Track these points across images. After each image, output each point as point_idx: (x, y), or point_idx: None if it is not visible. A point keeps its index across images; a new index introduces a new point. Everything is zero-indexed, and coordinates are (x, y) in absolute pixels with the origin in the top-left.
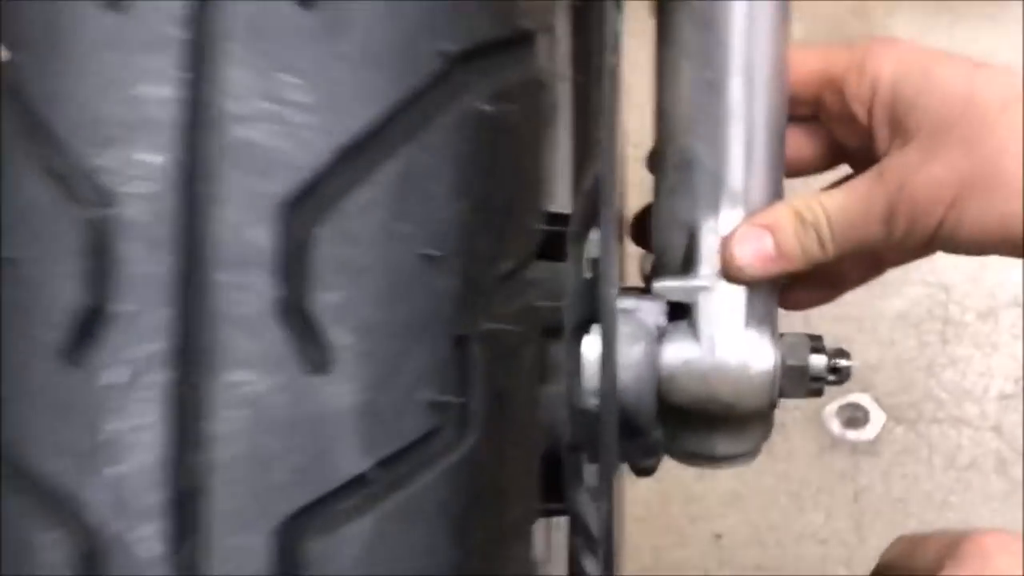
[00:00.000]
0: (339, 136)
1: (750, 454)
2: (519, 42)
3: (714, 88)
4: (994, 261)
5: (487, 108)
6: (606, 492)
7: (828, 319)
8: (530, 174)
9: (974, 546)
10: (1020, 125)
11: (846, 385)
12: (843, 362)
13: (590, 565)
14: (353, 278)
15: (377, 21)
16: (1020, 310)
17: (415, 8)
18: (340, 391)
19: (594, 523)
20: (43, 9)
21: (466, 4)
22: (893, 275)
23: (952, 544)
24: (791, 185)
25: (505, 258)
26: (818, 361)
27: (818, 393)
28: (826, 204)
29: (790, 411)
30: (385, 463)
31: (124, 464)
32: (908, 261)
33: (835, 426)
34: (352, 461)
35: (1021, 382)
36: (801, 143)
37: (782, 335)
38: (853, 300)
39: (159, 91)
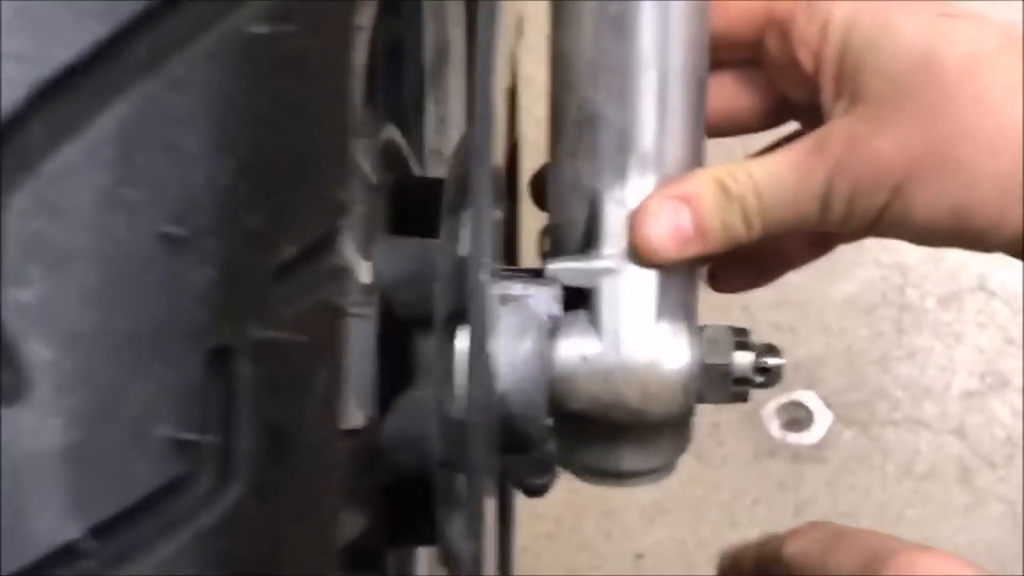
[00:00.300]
0: (38, 69)
1: (663, 470)
2: None
3: (620, 26)
4: None
5: (259, 29)
6: (474, 523)
7: (766, 305)
8: (329, 121)
9: (907, 561)
10: (984, 96)
11: (787, 381)
12: (773, 360)
13: None
14: (56, 268)
15: None
16: (986, 295)
17: None
18: (38, 427)
19: (465, 556)
20: None
21: None
22: (843, 254)
23: (879, 554)
24: (728, 147)
25: (288, 239)
26: (743, 359)
27: (743, 398)
28: (755, 174)
29: (723, 411)
30: (104, 528)
31: None
32: (860, 238)
33: (774, 428)
34: (56, 525)
35: (987, 378)
36: (736, 94)
37: (702, 328)
38: (796, 283)
39: None
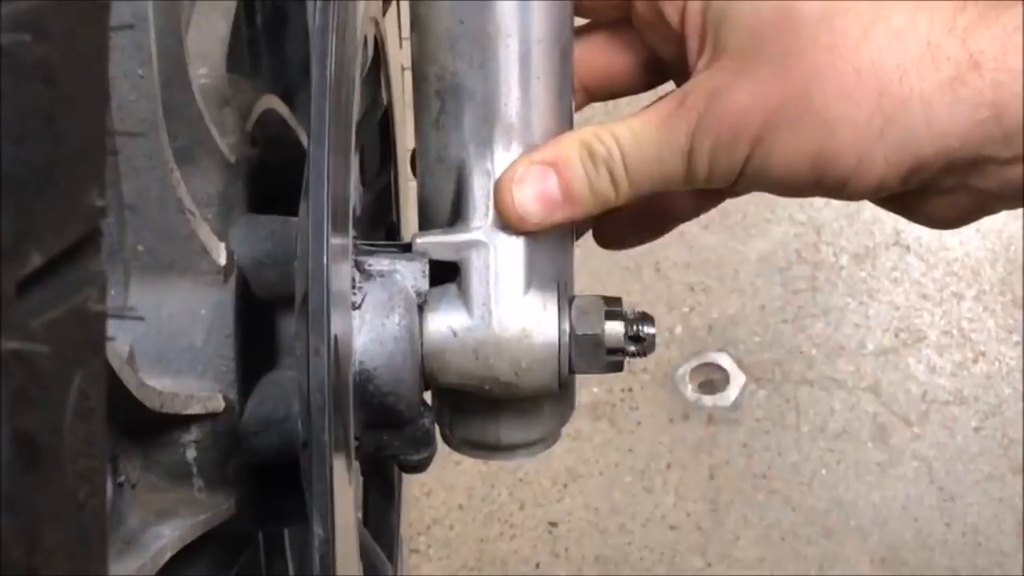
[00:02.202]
0: None
1: (545, 440)
2: None
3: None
4: None
5: (4, 39)
6: (321, 503)
7: (679, 266)
8: (81, 130)
9: None
10: (839, 42)
11: (702, 342)
12: (646, 329)
13: None
14: None
15: None
16: (900, 250)
17: None
18: None
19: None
20: None
21: None
22: (756, 213)
23: None
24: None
25: (36, 250)
26: (615, 329)
27: (618, 367)
28: (620, 135)
29: (636, 373)
30: None
31: None
32: (740, 193)
33: (688, 391)
34: None
35: (901, 334)
36: (610, 54)
37: (573, 298)
38: (709, 243)
39: None
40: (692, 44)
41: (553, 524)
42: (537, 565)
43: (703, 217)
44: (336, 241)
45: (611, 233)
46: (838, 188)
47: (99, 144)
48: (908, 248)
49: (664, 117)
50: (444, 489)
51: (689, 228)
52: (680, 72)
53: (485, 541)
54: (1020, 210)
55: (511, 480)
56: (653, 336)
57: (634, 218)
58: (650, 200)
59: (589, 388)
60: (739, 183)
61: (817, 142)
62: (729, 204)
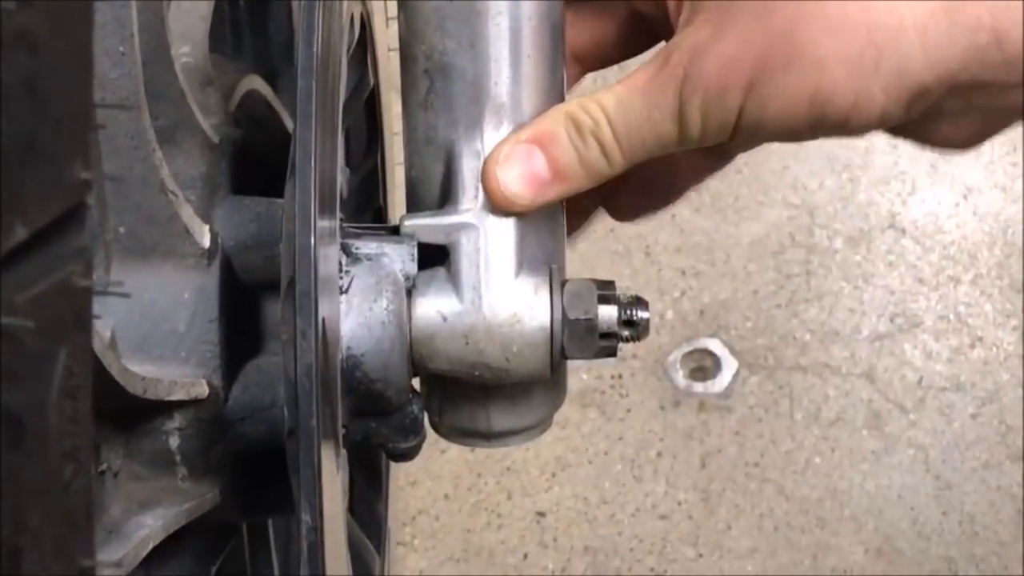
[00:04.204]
0: None
1: (536, 427)
2: None
3: None
4: (865, 176)
5: None
6: (308, 492)
7: (670, 250)
8: (65, 100)
9: None
10: None
11: (693, 328)
12: (640, 313)
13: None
14: None
15: None
16: (895, 233)
17: None
18: None
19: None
20: None
21: None
22: (749, 195)
23: None
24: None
25: (20, 223)
26: (608, 313)
27: (611, 352)
28: (605, 103)
29: (626, 360)
30: None
31: None
32: (745, 148)
33: (679, 377)
34: None
35: (897, 319)
36: (597, 21)
37: (565, 282)
38: (701, 226)
39: None
40: (672, 2)
41: (541, 514)
42: (525, 556)
43: (694, 200)
44: (323, 223)
45: (622, 205)
46: (840, 125)
47: (84, 115)
48: (904, 231)
49: (649, 79)
50: (430, 479)
51: (680, 211)
52: (669, 32)
53: (472, 531)
54: (1019, 194)
55: (498, 469)
56: (647, 320)
57: (642, 186)
58: (653, 165)
59: (578, 375)
60: (737, 136)
61: (810, 82)
62: (721, 186)
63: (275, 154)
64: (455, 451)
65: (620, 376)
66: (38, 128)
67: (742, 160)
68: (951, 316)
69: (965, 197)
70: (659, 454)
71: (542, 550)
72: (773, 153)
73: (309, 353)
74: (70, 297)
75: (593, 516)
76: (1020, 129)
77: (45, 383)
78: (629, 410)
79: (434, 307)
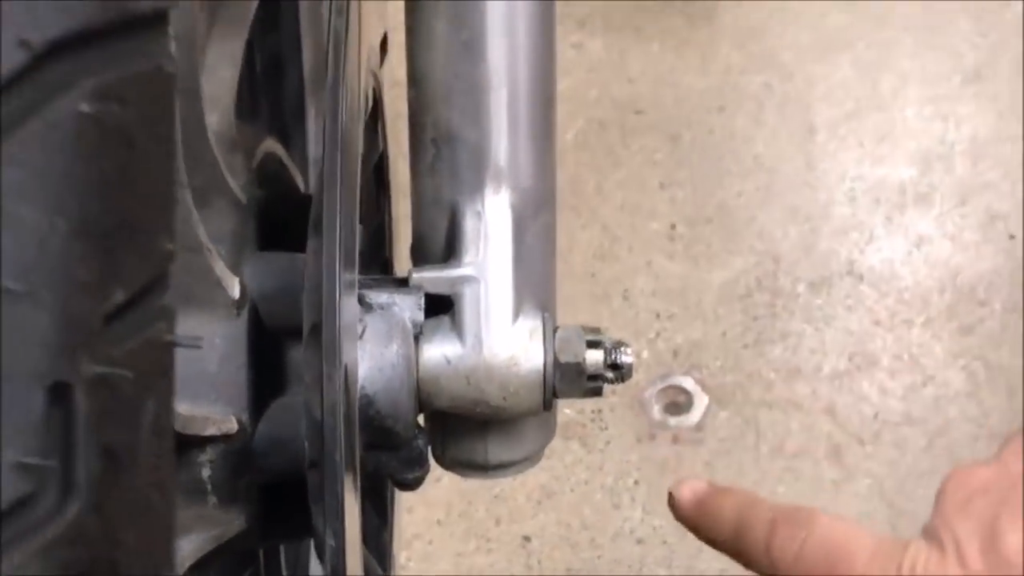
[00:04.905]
0: None
1: (529, 460)
2: (134, 28)
3: (471, 50)
4: (826, 227)
5: (88, 109)
6: (333, 519)
7: (646, 293)
8: (155, 185)
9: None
10: None
11: (667, 366)
12: (624, 358)
13: None
14: None
15: None
16: (854, 279)
17: None
18: None
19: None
20: None
21: None
22: (718, 243)
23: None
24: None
25: (119, 288)
26: (595, 357)
27: (597, 392)
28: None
29: (606, 396)
30: None
31: None
32: None
33: (654, 411)
34: None
35: (855, 358)
36: None
37: (557, 328)
38: (674, 272)
39: None
40: None
41: (527, 538)
42: None
43: (668, 248)
44: (346, 276)
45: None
46: None
47: (169, 196)
48: (862, 277)
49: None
50: (424, 506)
51: (655, 258)
52: None
53: (462, 555)
54: (966, 243)
55: (487, 497)
56: (631, 364)
57: None
58: None
59: (561, 410)
60: None
61: None
62: (693, 235)
63: (291, 211)
64: (448, 479)
65: (600, 411)
66: (133, 209)
67: (712, 210)
68: (905, 356)
69: (917, 246)
70: (636, 483)
71: (528, 572)
72: (740, 206)
73: (334, 394)
74: (158, 350)
75: (575, 541)
76: (968, 182)
77: (138, 425)
78: (608, 442)
79: (439, 351)
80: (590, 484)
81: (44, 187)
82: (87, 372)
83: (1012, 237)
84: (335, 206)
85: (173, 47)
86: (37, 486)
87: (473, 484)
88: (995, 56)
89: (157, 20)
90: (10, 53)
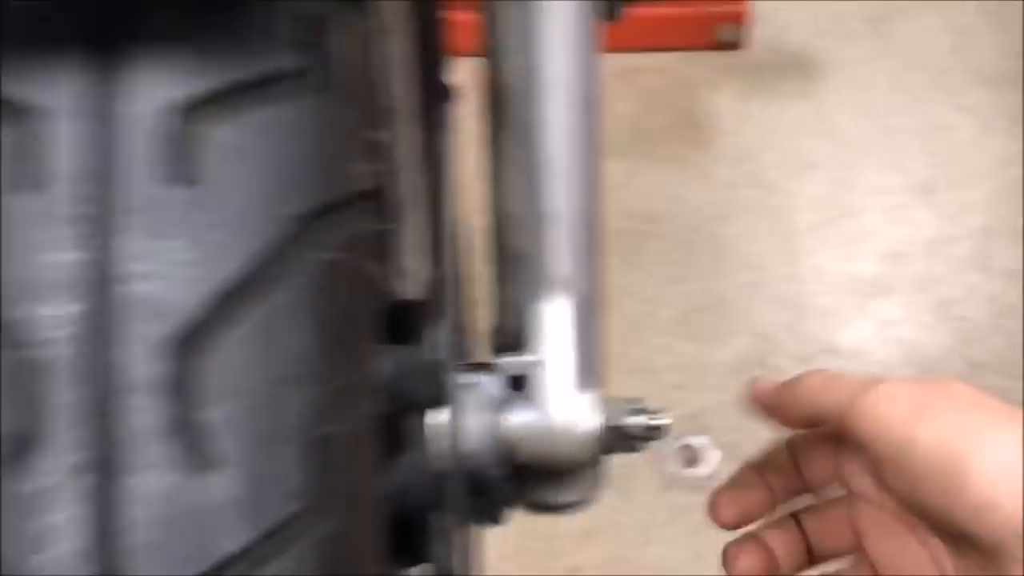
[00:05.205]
0: (214, 287)
1: (585, 501)
2: (359, 200)
3: (537, 191)
4: (808, 313)
5: (335, 257)
6: (459, 550)
7: (666, 368)
8: (373, 303)
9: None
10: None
11: (686, 427)
12: (659, 420)
13: None
14: (233, 398)
15: (241, 194)
16: (835, 356)
17: (269, 181)
18: (224, 486)
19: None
20: None
21: (307, 176)
22: (723, 327)
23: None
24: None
25: (351, 374)
26: (638, 421)
27: (635, 449)
28: None
29: (635, 454)
30: (263, 539)
31: (51, 552)
32: None
33: (675, 465)
34: (235, 539)
35: None
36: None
37: (607, 399)
38: (688, 351)
39: (68, 256)
40: None
41: (578, 568)
42: None
43: (681, 331)
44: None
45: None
46: None
47: (380, 311)
48: (841, 354)
49: None
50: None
51: (671, 341)
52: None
53: None
54: (925, 323)
55: (543, 536)
56: (667, 426)
57: None
58: None
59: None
60: None
61: None
62: (701, 320)
63: (397, 313)
64: (509, 526)
65: (631, 466)
66: (360, 320)
67: (716, 300)
68: None
69: (883, 328)
70: (664, 523)
71: None
72: (739, 297)
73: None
74: (373, 412)
75: (615, 570)
76: (923, 275)
77: (364, 462)
78: (638, 491)
79: (518, 418)
80: (625, 525)
81: (308, 310)
82: (334, 428)
83: (964, 319)
84: (446, 307)
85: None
86: (307, 505)
87: (529, 526)
88: (941, 172)
89: (374, 193)
90: (283, 222)
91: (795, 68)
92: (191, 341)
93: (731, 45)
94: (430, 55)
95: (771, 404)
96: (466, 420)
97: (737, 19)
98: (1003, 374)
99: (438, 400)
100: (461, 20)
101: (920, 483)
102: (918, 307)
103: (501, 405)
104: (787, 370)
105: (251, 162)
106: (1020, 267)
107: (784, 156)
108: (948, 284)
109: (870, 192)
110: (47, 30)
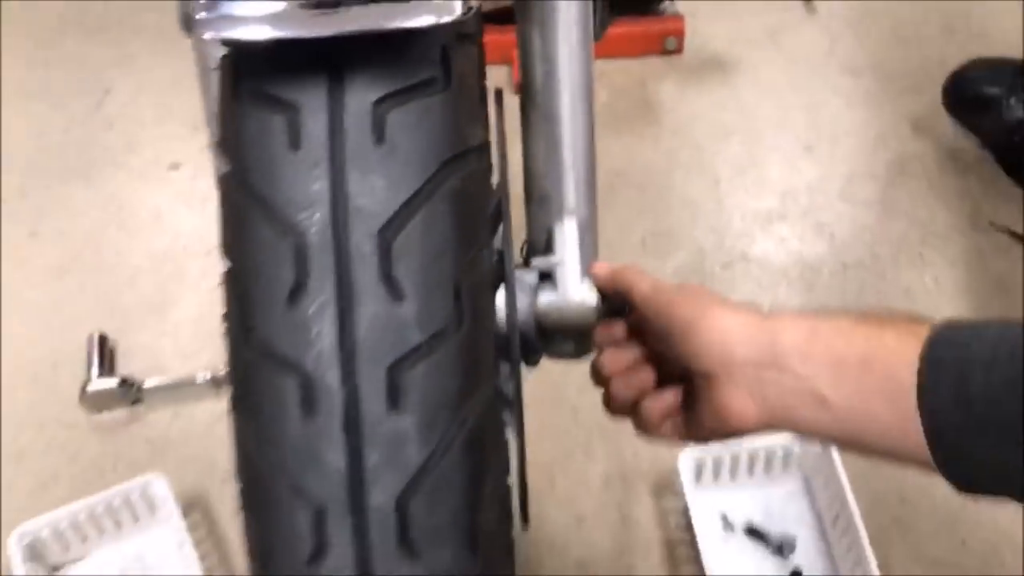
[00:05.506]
0: (399, 200)
1: (587, 351)
2: (474, 151)
3: (555, 155)
4: (729, 233)
5: (463, 183)
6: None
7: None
8: (483, 208)
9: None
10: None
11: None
12: None
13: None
14: (412, 260)
15: (411, 149)
16: (746, 263)
17: (425, 141)
18: (408, 310)
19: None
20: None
21: (445, 138)
22: (672, 246)
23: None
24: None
25: (475, 248)
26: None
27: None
28: None
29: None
30: (430, 338)
31: (316, 347)
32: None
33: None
34: (412, 339)
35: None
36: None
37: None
38: (645, 263)
39: (318, 185)
40: None
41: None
42: None
43: (642, 250)
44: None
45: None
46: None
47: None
48: (749, 260)
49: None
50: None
51: (636, 256)
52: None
53: None
54: (808, 240)
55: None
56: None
57: None
58: None
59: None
60: None
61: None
62: (656, 242)
63: None
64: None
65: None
66: (481, 225)
67: (666, 227)
68: (774, 303)
69: (780, 243)
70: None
71: None
72: (682, 225)
73: (514, 317)
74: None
75: None
76: (811, 202)
77: (488, 304)
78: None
79: (546, 299)
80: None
81: (450, 221)
82: (468, 280)
83: (833, 235)
84: (510, 241)
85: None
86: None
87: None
88: (819, 135)
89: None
90: (434, 164)
91: (717, 67)
92: (388, 230)
93: (673, 52)
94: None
95: (604, 282)
96: (518, 299)
97: (677, 33)
98: (862, 269)
99: (509, 289)
100: (494, 40)
101: (670, 338)
102: (803, 228)
103: (535, 289)
104: (715, 273)
105: (415, 131)
106: (875, 198)
107: (710, 127)
108: (824, 212)
109: (769, 150)
110: (303, 57)
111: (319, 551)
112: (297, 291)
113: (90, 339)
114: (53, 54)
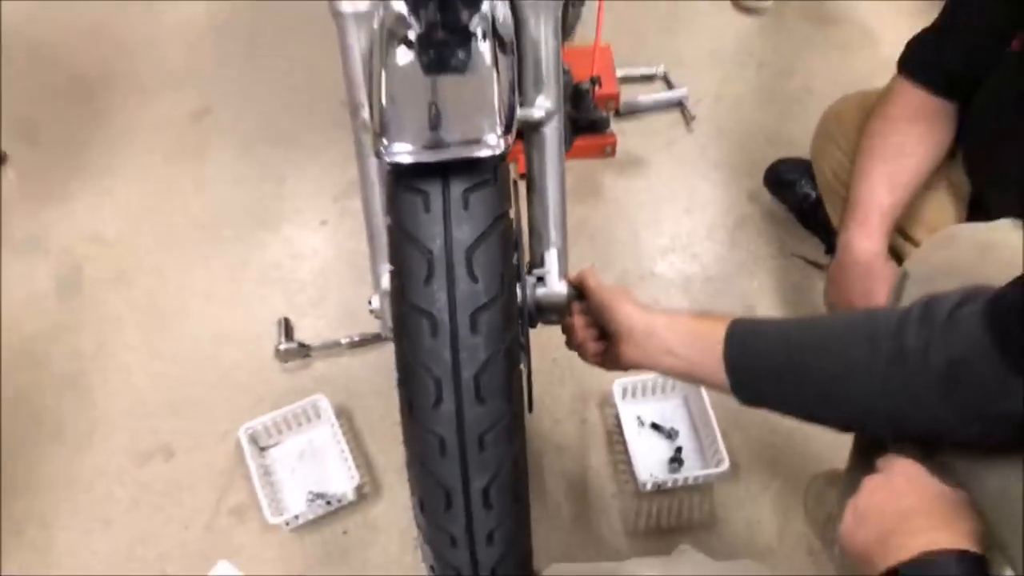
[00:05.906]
0: (474, 235)
1: (564, 319)
2: (508, 211)
3: (544, 214)
4: (645, 261)
5: (502, 228)
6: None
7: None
8: (512, 244)
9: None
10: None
11: None
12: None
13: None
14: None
15: (481, 211)
16: (651, 276)
17: (488, 207)
18: (480, 287)
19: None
20: None
21: (498, 202)
22: (607, 267)
23: None
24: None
25: (510, 261)
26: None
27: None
28: None
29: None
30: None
31: (436, 304)
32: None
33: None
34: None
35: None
36: None
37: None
38: (587, 259)
39: (439, 230)
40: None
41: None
42: None
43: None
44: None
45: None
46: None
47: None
48: (655, 276)
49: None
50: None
51: (578, 263)
52: None
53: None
54: (687, 263)
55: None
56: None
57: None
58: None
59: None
60: None
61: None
62: (601, 264)
63: None
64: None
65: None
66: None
67: (607, 257)
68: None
69: (671, 265)
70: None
71: None
72: (612, 257)
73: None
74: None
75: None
76: (676, 242)
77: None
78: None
79: (540, 291)
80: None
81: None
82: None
83: (702, 262)
84: (523, 258)
85: None
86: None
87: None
88: (694, 205)
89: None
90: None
91: (636, 164)
92: (471, 250)
93: (610, 155)
94: None
95: (572, 282)
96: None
97: (613, 144)
98: (718, 281)
99: (519, 277)
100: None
101: (602, 314)
102: (684, 257)
103: (534, 286)
104: (634, 283)
105: (482, 204)
106: (727, 239)
107: (632, 200)
108: (697, 247)
109: (666, 212)
110: (429, 170)
111: (437, 401)
112: (428, 278)
113: (279, 321)
114: (251, 156)
